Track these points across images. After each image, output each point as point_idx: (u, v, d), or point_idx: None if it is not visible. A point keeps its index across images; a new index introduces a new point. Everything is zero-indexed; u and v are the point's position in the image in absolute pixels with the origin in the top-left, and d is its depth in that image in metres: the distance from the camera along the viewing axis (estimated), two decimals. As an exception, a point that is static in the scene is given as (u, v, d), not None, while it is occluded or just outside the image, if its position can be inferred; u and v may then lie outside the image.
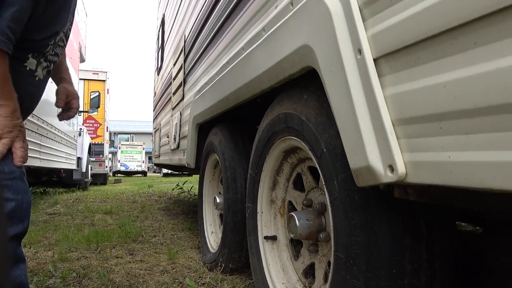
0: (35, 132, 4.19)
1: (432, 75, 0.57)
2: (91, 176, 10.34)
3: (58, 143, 5.69)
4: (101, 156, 11.76)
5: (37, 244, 2.68)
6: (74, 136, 7.41)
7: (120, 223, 3.54)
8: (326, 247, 1.15)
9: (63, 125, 6.12)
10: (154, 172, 30.74)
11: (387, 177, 0.65)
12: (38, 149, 4.48)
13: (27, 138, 1.15)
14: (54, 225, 3.53)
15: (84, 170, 8.53)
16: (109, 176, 15.32)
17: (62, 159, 6.18)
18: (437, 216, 0.81)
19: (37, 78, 1.18)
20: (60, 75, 1.40)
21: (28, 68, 1.13)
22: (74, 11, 1.25)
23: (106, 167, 12.19)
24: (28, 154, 1.20)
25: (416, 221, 0.79)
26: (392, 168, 0.64)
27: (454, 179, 0.53)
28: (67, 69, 1.44)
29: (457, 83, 0.53)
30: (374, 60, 0.70)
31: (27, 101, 1.16)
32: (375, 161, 0.67)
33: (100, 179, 11.62)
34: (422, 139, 0.60)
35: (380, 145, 0.67)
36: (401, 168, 0.63)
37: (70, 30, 1.27)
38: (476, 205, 0.72)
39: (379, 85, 0.68)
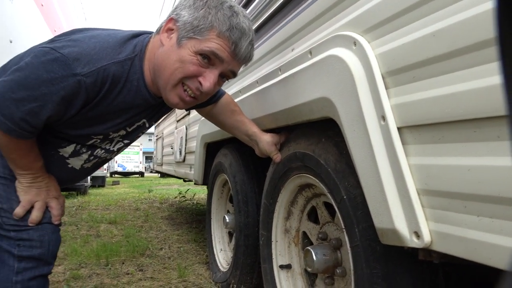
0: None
1: (457, 156, 0.62)
2: (90, 179, 10.36)
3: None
4: (100, 159, 11.77)
5: (46, 259, 2.71)
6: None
7: (126, 234, 3.59)
8: (343, 282, 1.20)
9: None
10: (151, 172, 30.68)
11: (413, 242, 0.70)
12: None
13: None
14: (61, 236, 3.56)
15: (84, 174, 8.52)
16: (107, 177, 15.35)
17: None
18: (455, 268, 0.86)
19: (69, 166, 1.20)
20: (248, 132, 1.39)
21: (60, 154, 1.15)
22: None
23: (105, 169, 12.22)
24: None
25: (435, 272, 0.84)
26: (417, 234, 0.69)
27: (480, 257, 0.58)
28: (250, 122, 1.41)
29: (481, 170, 0.58)
30: (398, 128, 0.75)
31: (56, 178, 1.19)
32: (401, 225, 0.72)
33: (98, 181, 11.71)
34: (448, 212, 0.65)
35: (406, 210, 0.72)
36: (426, 236, 0.68)
37: (134, 131, 1.23)
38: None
39: (403, 153, 0.73)
